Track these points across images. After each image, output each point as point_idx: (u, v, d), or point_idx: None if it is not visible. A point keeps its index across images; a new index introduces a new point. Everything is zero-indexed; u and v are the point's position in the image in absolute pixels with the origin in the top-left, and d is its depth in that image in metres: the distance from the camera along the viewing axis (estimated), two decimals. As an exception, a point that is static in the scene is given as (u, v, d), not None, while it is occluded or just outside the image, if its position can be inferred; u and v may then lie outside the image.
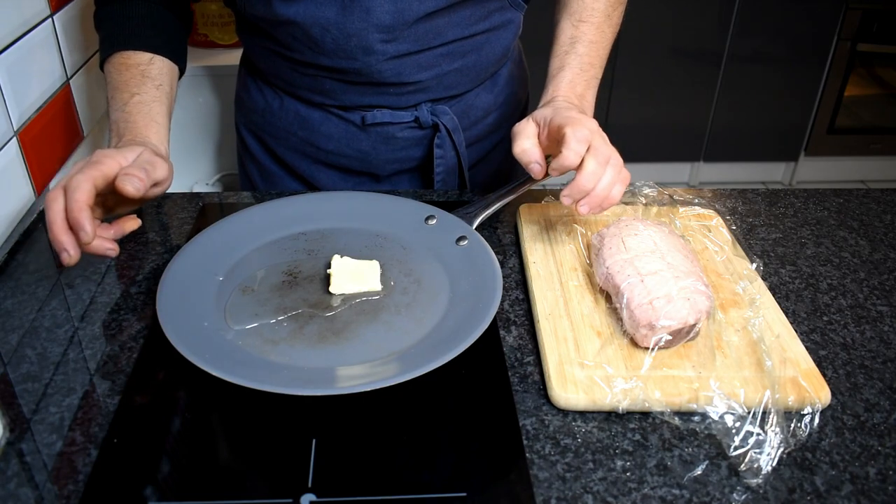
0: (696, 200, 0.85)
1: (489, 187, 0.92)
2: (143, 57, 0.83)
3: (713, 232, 0.82)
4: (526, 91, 1.09)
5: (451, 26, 0.86)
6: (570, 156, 0.70)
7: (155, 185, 0.70)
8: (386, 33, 0.83)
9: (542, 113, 0.76)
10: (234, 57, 1.50)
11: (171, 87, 0.85)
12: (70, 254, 0.64)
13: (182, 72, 0.90)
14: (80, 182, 0.64)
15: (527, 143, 0.75)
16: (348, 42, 0.84)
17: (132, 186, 0.65)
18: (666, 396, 0.60)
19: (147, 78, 0.82)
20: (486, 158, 1.06)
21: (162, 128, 0.79)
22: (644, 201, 0.84)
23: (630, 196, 0.85)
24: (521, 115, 1.09)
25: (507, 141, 1.06)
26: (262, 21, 0.86)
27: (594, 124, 0.73)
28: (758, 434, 0.56)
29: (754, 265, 0.75)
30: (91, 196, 0.65)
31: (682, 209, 0.84)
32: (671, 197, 0.85)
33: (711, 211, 0.86)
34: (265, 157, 1.03)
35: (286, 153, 1.01)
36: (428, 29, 0.85)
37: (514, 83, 1.04)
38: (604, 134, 0.73)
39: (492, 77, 0.99)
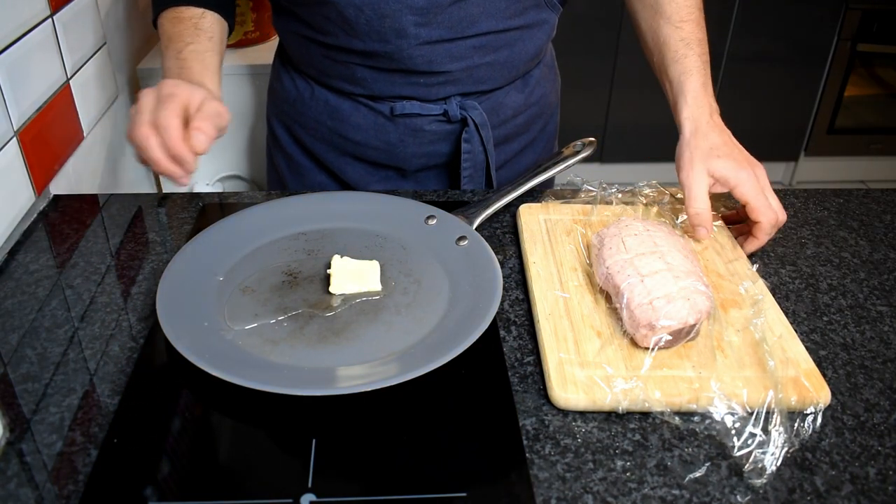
0: (697, 200, 0.85)
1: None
2: (195, 11, 0.88)
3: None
4: (557, 95, 1.09)
5: (484, 17, 0.87)
6: (760, 243, 0.79)
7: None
8: (419, 16, 0.84)
9: (717, 166, 0.77)
10: (235, 57, 1.50)
11: (222, 42, 0.89)
12: (185, 180, 0.74)
13: (232, 28, 0.94)
14: (170, 119, 0.71)
15: (702, 206, 0.77)
16: (382, 23, 0.84)
17: (201, 146, 0.73)
18: (666, 397, 0.60)
19: (200, 30, 0.86)
20: (515, 160, 1.05)
21: (215, 76, 0.84)
22: (644, 201, 0.84)
23: (630, 196, 0.85)
24: (551, 118, 1.08)
25: (536, 143, 1.07)
26: (298, 5, 0.88)
27: (766, 180, 0.79)
28: (759, 434, 0.56)
29: (754, 265, 0.75)
30: (181, 130, 0.72)
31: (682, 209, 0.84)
32: (671, 197, 0.85)
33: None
34: (294, 148, 1.05)
35: (315, 144, 1.02)
36: (462, 16, 0.85)
37: (545, 85, 1.03)
38: (770, 189, 0.79)
39: (523, 77, 0.99)
